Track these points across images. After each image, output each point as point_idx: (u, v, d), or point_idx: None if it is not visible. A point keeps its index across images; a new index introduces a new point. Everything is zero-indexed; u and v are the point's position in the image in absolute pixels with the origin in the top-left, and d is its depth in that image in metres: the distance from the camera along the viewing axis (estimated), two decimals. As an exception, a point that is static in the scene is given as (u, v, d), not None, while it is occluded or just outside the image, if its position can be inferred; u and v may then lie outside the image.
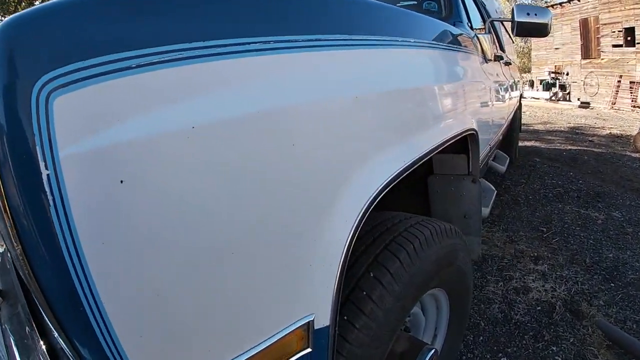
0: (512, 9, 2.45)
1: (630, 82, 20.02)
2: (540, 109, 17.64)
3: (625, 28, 21.81)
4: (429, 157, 1.24)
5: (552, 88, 22.84)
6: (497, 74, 3.15)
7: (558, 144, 8.57)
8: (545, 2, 39.43)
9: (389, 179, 0.99)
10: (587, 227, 3.91)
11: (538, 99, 23.09)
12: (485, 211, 2.58)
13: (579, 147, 8.18)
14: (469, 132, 1.72)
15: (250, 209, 0.69)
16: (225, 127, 0.64)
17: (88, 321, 0.55)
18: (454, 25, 2.18)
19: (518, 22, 2.40)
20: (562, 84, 22.88)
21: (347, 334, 1.01)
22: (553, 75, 23.94)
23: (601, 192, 4.99)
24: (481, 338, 2.44)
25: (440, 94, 1.46)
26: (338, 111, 0.88)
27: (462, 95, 1.75)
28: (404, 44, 1.25)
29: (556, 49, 26.73)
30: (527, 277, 3.05)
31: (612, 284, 2.96)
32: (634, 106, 18.50)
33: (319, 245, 0.82)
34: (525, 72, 36.31)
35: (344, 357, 1.00)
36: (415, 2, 2.59)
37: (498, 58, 3.36)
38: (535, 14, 2.38)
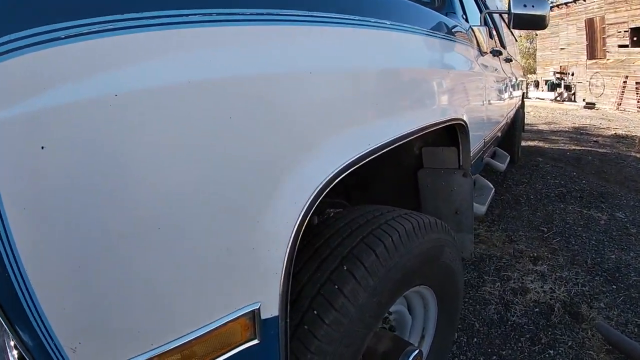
0: (509, 0, 2.41)
1: (637, 83, 20.00)
2: (545, 110, 17.59)
3: (631, 28, 21.79)
4: (402, 142, 1.18)
5: (557, 88, 22.78)
6: (494, 69, 3.10)
7: (562, 144, 8.51)
8: (552, 1, 39.58)
9: (350, 162, 0.94)
10: (589, 228, 3.85)
11: (543, 99, 23.03)
12: (482, 209, 2.53)
13: (583, 148, 8.12)
14: (457, 123, 1.67)
15: (177, 181, 0.66)
16: (151, 96, 0.62)
17: (13, 288, 0.55)
18: (446, 15, 2.14)
19: (515, 14, 2.34)
20: (567, 84, 22.82)
21: (316, 330, 0.95)
22: (558, 75, 23.86)
23: (605, 192, 4.93)
24: (475, 340, 2.38)
25: (420, 79, 1.41)
26: (286, 86, 0.84)
27: (450, 83, 1.69)
28: (378, 25, 1.20)
29: (561, 49, 26.74)
30: (526, 277, 2.99)
31: (613, 286, 2.90)
32: (640, 107, 18.44)
33: (263, 228, 0.77)
34: (530, 73, 36.38)
35: (312, 353, 0.94)
36: None
37: (497, 53, 3.32)
38: (533, 6, 2.33)
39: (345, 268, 1.03)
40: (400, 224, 1.20)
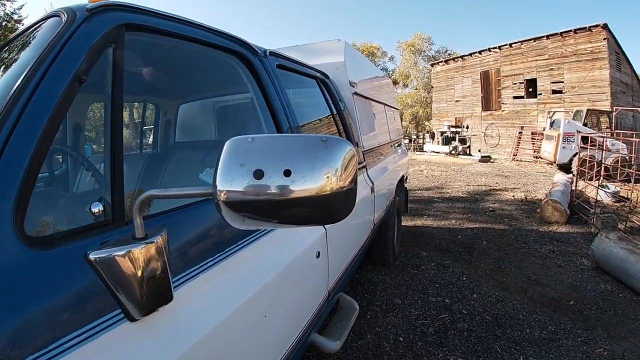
0: (217, 166, 0.88)
1: (532, 133, 20.49)
2: (439, 166, 17.15)
3: (526, 79, 22.76)
4: None
5: (452, 142, 22.81)
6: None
7: (453, 220, 7.49)
8: (449, 54, 41.38)
9: None
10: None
11: (438, 152, 23.10)
12: None
13: (477, 225, 7.15)
14: None
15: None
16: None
17: None
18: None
19: (225, 203, 0.88)
20: (462, 137, 22.94)
21: None
22: (453, 129, 24.10)
23: (502, 314, 3.76)
24: None
25: None
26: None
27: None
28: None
29: (456, 101, 27.67)
30: None
31: None
32: (536, 157, 18.63)
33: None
34: (427, 120, 37.60)
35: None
36: None
37: None
38: (289, 174, 0.83)
39: None
40: None
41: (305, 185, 0.85)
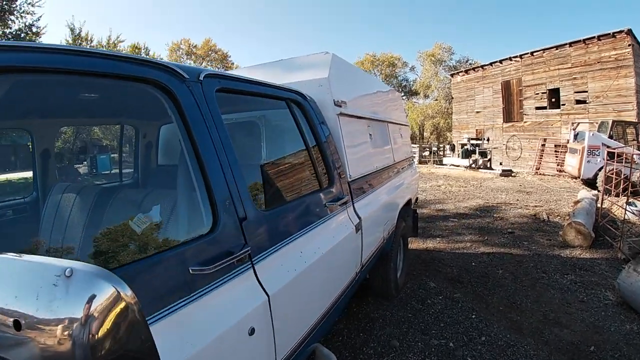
0: None
1: (555, 146, 19.80)
2: (457, 181, 16.62)
3: (549, 89, 22.09)
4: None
5: (472, 155, 22.17)
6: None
7: (468, 244, 7.04)
8: (470, 64, 40.82)
9: None
10: None
11: (458, 166, 22.45)
12: None
13: (494, 250, 6.71)
14: None
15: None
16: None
17: None
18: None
19: None
20: (482, 150, 22.29)
21: None
22: (473, 141, 23.47)
23: (512, 363, 3.29)
24: None
25: None
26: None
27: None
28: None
29: (477, 112, 27.10)
30: None
31: None
32: (560, 171, 17.98)
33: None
34: (448, 131, 37.35)
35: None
36: None
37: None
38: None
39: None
40: None
41: (45, 347, 0.51)
